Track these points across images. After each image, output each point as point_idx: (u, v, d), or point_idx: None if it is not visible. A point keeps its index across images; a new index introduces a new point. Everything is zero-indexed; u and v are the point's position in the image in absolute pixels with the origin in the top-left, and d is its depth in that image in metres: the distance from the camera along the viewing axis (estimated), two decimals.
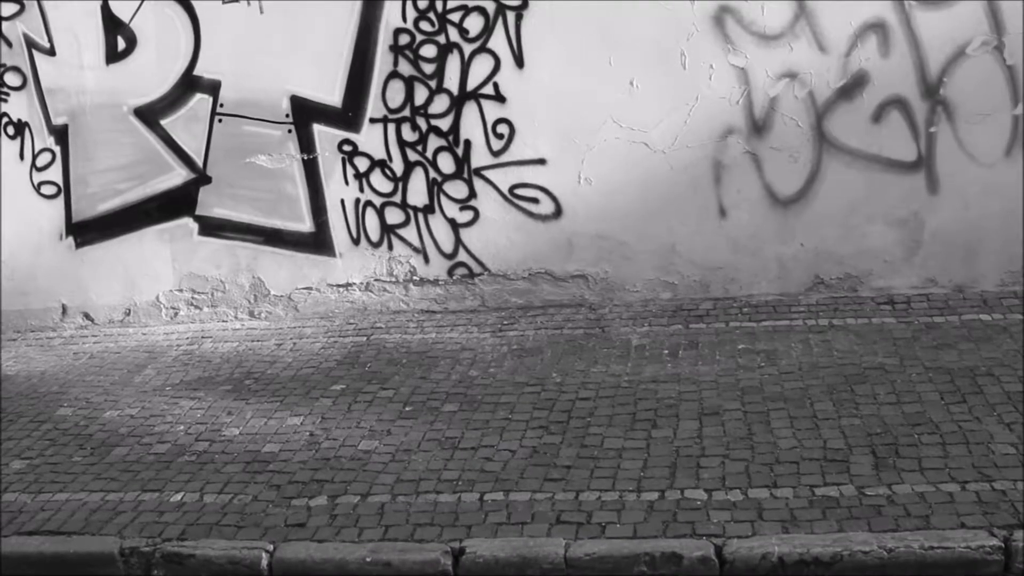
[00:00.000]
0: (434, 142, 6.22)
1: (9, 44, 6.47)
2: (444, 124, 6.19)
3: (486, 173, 6.21)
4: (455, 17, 6.05)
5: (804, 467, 4.17)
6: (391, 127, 6.24)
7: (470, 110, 6.15)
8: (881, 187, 5.94)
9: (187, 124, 6.42)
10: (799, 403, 4.75)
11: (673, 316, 6.00)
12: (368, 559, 3.87)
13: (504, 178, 6.21)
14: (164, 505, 4.35)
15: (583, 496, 4.10)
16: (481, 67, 6.09)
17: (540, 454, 4.47)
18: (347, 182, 6.36)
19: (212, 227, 6.56)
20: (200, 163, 6.47)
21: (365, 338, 6.12)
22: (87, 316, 6.84)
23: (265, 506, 4.26)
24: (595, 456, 4.41)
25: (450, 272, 6.40)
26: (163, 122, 6.45)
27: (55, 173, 6.63)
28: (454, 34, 6.07)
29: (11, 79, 6.53)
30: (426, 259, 6.40)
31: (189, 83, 6.36)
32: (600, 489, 4.13)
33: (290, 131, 6.33)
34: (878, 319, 5.72)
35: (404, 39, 6.12)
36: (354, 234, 6.42)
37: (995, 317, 5.61)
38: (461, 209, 6.29)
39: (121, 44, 6.38)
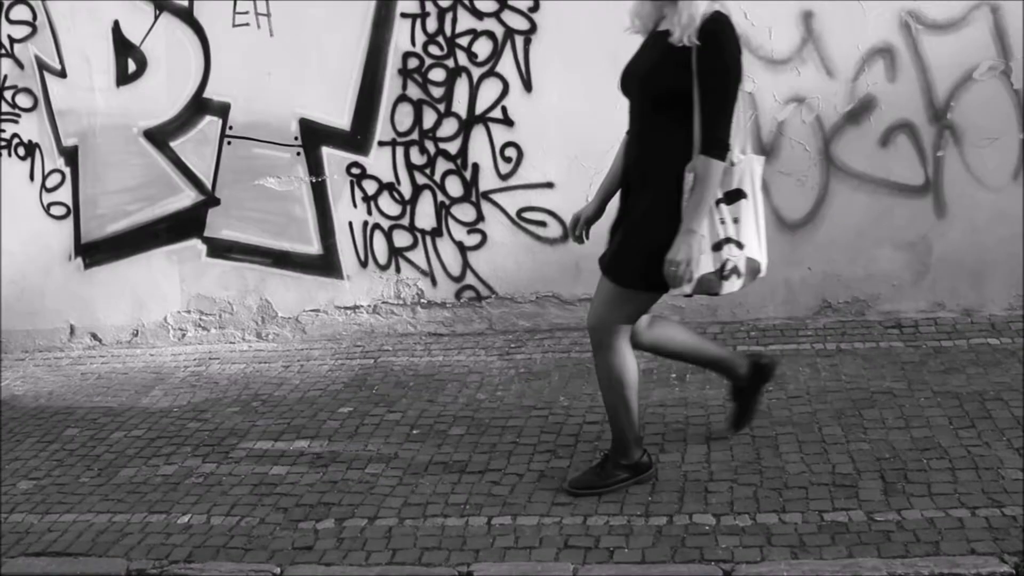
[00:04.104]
0: (442, 165, 6.24)
1: (21, 66, 6.51)
2: (452, 147, 6.22)
3: (494, 196, 6.23)
4: (464, 41, 6.09)
5: (813, 492, 4.16)
6: (399, 150, 6.26)
7: (478, 133, 6.17)
8: (889, 211, 5.95)
9: (196, 146, 6.45)
10: (807, 427, 4.74)
11: None
12: None
13: (512, 201, 6.22)
14: (171, 527, 4.35)
15: (591, 520, 4.08)
16: (490, 91, 6.12)
17: (548, 478, 4.46)
18: (355, 205, 6.37)
19: (220, 249, 6.58)
20: (209, 185, 6.49)
21: (372, 360, 6.12)
22: (95, 336, 6.85)
23: (272, 529, 4.25)
24: None
25: (458, 295, 6.41)
26: (173, 144, 6.48)
27: (65, 194, 6.66)
28: (463, 58, 6.10)
29: (22, 100, 6.57)
30: (434, 282, 6.41)
31: (199, 105, 6.39)
32: (608, 513, 4.12)
33: (299, 153, 6.35)
34: (886, 343, 5.72)
35: (413, 63, 6.15)
36: (362, 257, 6.43)
37: (1003, 341, 5.60)
38: (469, 232, 6.30)
39: (132, 66, 6.41)
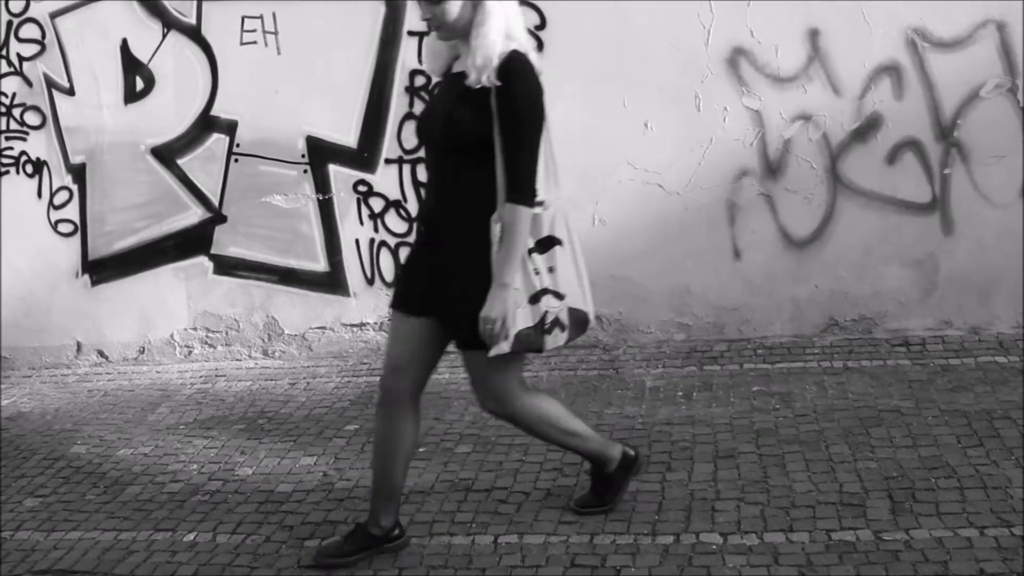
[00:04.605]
0: None
1: (29, 84, 6.53)
2: None
3: None
4: None
5: (820, 511, 4.14)
6: (406, 168, 6.27)
7: None
8: (896, 228, 5.94)
9: (203, 163, 6.47)
10: (814, 446, 4.72)
11: (687, 357, 5.99)
12: None
13: None
14: (177, 545, 4.34)
15: (597, 539, 4.07)
16: None
17: (554, 496, 4.44)
18: (362, 222, 6.38)
19: (227, 266, 6.59)
20: (216, 202, 6.50)
21: (379, 378, 6.10)
22: (101, 353, 6.86)
23: (278, 547, 4.24)
24: None
25: None
26: (180, 161, 6.49)
27: (72, 211, 6.67)
28: None
29: (31, 118, 6.59)
30: None
31: (206, 123, 6.41)
32: (615, 532, 4.10)
33: (306, 171, 6.36)
34: (893, 361, 5.70)
35: (420, 80, 6.16)
36: (368, 274, 6.44)
37: (1011, 359, 5.58)
38: None
39: (140, 84, 6.43)
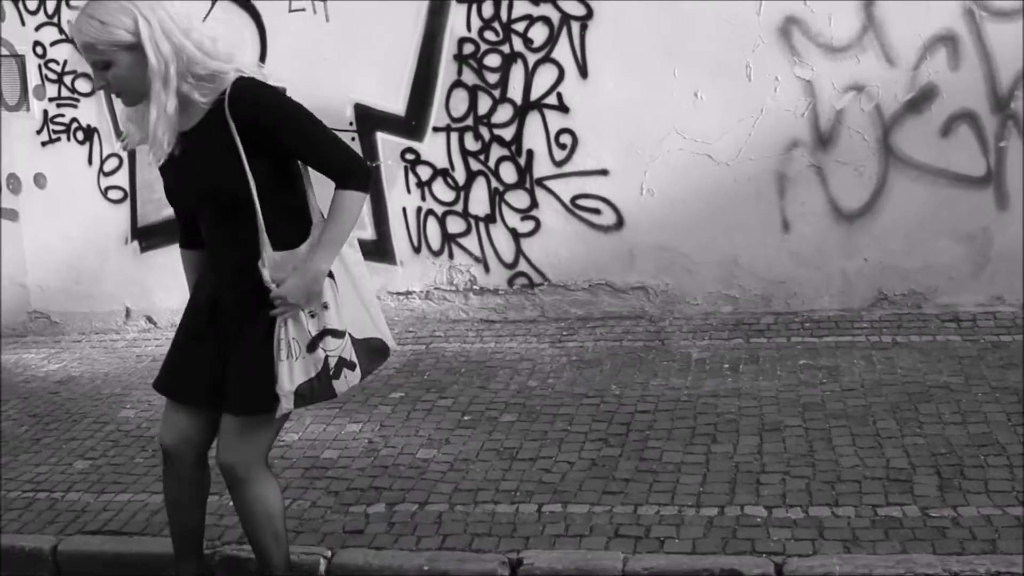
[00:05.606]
0: (497, 151, 6.23)
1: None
2: (507, 134, 6.20)
3: (548, 183, 6.21)
4: (520, 27, 6.06)
5: (866, 486, 4.11)
6: (454, 136, 6.26)
7: (533, 120, 6.15)
8: (948, 202, 5.85)
9: None
10: (861, 421, 4.68)
11: (734, 330, 5.95)
12: (426, 567, 3.87)
13: (566, 188, 6.20)
14: (223, 508, 4.36)
15: (642, 510, 4.06)
16: (545, 77, 6.09)
17: (599, 467, 4.44)
18: (409, 190, 6.38)
19: None
20: None
21: (424, 346, 6.14)
22: (150, 319, 6.93)
23: (323, 512, 4.28)
24: (654, 470, 4.37)
25: (510, 282, 6.40)
26: None
27: (122, 178, 6.74)
28: (518, 44, 6.08)
29: (81, 85, 6.64)
30: (486, 268, 6.40)
31: None
32: (659, 503, 4.10)
33: (353, 139, 6.36)
34: (943, 337, 5.63)
35: (468, 48, 6.14)
36: (415, 242, 6.44)
37: None
38: (522, 219, 6.29)
39: None
